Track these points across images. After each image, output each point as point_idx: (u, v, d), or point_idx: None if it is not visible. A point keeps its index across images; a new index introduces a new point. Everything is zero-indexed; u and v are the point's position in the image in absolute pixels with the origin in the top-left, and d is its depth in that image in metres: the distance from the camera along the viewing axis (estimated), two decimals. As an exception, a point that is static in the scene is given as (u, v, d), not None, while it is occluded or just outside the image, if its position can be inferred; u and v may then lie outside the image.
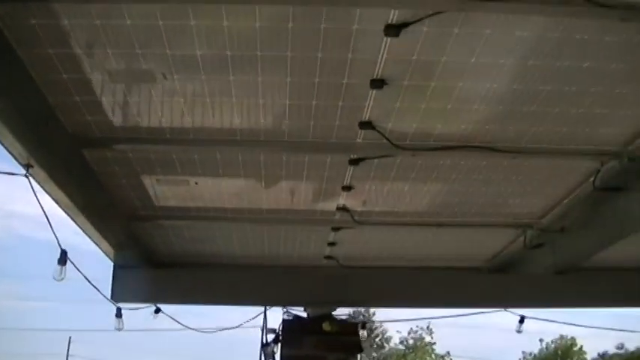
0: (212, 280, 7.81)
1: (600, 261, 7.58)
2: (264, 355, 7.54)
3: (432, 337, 56.93)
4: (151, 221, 6.90)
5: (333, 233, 7.17)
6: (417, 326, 56.86)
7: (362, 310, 50.55)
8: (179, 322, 8.57)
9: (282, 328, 7.53)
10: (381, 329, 58.61)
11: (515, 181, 5.91)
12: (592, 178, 5.71)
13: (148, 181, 5.98)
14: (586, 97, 4.62)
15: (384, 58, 4.13)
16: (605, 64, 4.27)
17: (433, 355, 57.41)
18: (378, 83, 4.38)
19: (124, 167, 5.66)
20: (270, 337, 7.60)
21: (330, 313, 7.46)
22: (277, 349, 7.55)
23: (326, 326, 7.27)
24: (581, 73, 4.34)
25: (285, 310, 7.63)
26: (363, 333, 8.66)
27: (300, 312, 7.74)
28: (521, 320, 8.68)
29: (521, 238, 7.22)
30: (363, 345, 7.70)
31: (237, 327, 8.46)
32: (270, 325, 7.68)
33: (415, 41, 3.99)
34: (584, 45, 4.07)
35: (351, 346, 7.49)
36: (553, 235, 6.88)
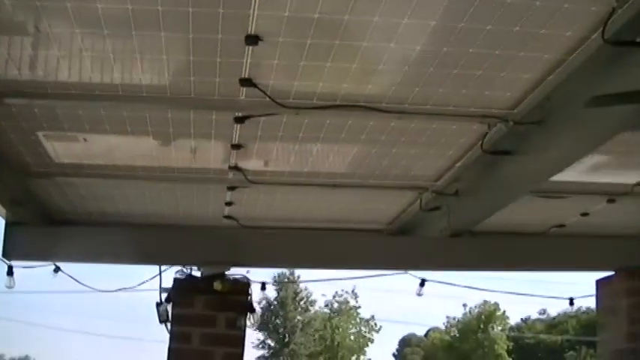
0: (111, 239, 7.73)
1: (497, 224, 7.68)
2: (158, 315, 7.46)
3: (356, 301, 57.52)
4: (48, 178, 6.77)
5: (229, 193, 7.11)
6: (342, 290, 57.28)
7: (288, 272, 50.92)
8: (79, 282, 8.43)
9: (173, 287, 7.46)
10: (305, 292, 59.02)
11: (406, 142, 5.87)
12: (480, 142, 5.71)
13: (38, 137, 5.86)
14: (483, 59, 4.59)
15: (255, 13, 4.06)
16: (505, 27, 4.24)
17: (358, 319, 57.89)
18: (252, 39, 4.31)
19: (10, 122, 5.53)
20: (165, 297, 7.52)
21: (223, 273, 7.39)
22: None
23: (217, 285, 7.22)
24: (483, 35, 4.30)
25: (178, 269, 7.56)
26: (264, 294, 8.65)
27: (196, 272, 7.67)
28: (422, 283, 8.71)
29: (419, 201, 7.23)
30: (255, 305, 7.62)
31: (135, 287, 8.33)
32: (165, 285, 7.58)
33: (287, -4, 3.93)
34: (488, 7, 4.04)
35: (242, 305, 7.44)
36: (448, 198, 6.88)
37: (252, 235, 7.84)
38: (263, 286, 8.75)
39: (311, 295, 59.32)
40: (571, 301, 9.23)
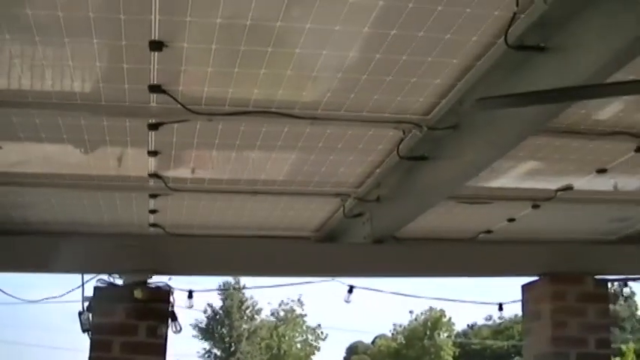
0: (34, 247, 7.61)
1: (424, 230, 7.72)
2: (81, 325, 7.39)
3: (302, 309, 57.51)
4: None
5: (152, 200, 7.07)
6: (288, 298, 57.27)
7: (233, 280, 50.77)
8: (3, 292, 8.34)
9: (94, 296, 7.38)
10: (251, 301, 58.88)
11: (323, 149, 5.86)
12: (397, 148, 5.73)
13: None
14: (392, 65, 4.61)
15: (157, 18, 4.03)
16: (410, 32, 4.25)
17: (304, 327, 57.90)
18: (156, 45, 4.27)
19: None
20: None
21: (144, 281, 7.33)
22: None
23: (137, 293, 7.14)
24: (389, 40, 4.32)
25: (100, 278, 7.48)
26: (190, 302, 8.59)
27: (119, 280, 7.60)
28: (350, 290, 8.72)
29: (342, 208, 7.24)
30: (177, 313, 7.55)
31: (60, 297, 8.24)
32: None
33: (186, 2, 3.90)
34: (391, 12, 4.05)
35: (163, 313, 7.38)
36: (370, 204, 6.90)
37: (177, 242, 7.81)
38: (190, 294, 8.68)
39: (257, 303, 59.23)
40: (500, 307, 9.28)
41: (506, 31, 4.11)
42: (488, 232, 8.33)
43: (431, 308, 59.44)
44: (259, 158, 6.12)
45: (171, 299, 7.50)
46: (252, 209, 7.44)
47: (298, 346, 57.40)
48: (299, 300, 56.40)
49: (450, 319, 60.11)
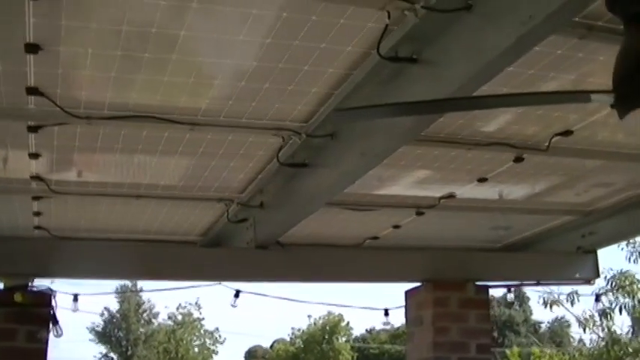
0: None
1: (311, 236, 7.80)
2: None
3: (200, 313, 57.06)
4: None
5: (35, 202, 7.00)
6: (186, 302, 56.84)
7: (130, 284, 50.28)
8: None
9: (-29, 301, 7.27)
10: (148, 304, 58.37)
11: (204, 154, 5.89)
12: (277, 155, 5.78)
13: None
14: (269, 72, 4.66)
15: (31, 21, 4.02)
16: (285, 41, 4.32)
17: (202, 331, 57.53)
18: (31, 48, 4.26)
19: None
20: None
21: (25, 285, 7.26)
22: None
23: (17, 297, 7.07)
24: (264, 48, 4.38)
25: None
26: (75, 305, 8.50)
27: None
28: (236, 295, 8.73)
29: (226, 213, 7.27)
30: (59, 316, 7.48)
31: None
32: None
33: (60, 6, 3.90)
34: (294, 23, 4.12)
35: (43, 317, 7.31)
36: (253, 210, 6.94)
37: (60, 245, 7.73)
38: (75, 297, 8.59)
39: (154, 307, 58.70)
40: (386, 312, 9.36)
41: (379, 43, 4.19)
42: (375, 238, 8.41)
43: (329, 313, 59.43)
44: (142, 162, 6.13)
45: (53, 303, 7.42)
46: (137, 213, 7.42)
47: (196, 350, 56.92)
48: (197, 304, 55.91)
49: (348, 323, 60.16)
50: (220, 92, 4.90)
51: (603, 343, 17.96)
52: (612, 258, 16.33)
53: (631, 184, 7.09)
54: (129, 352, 56.79)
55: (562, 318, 55.58)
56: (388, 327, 71.55)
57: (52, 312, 7.37)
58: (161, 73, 4.63)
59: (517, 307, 60.93)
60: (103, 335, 57.28)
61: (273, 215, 6.76)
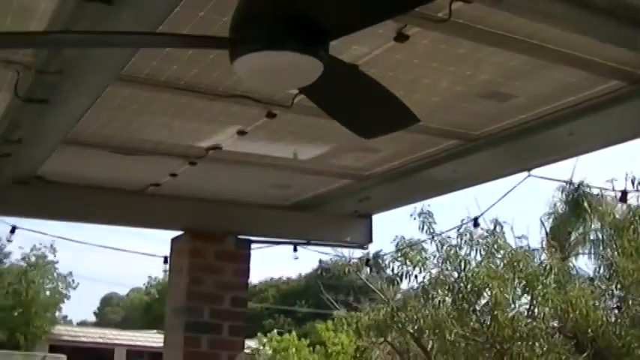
0: None
1: (90, 179, 7.77)
2: None
3: (55, 256, 56.34)
4: None
5: None
6: (40, 244, 56.04)
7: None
8: None
9: None
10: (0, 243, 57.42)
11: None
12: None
13: None
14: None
15: None
16: None
17: (55, 274, 56.84)
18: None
19: None
20: None
21: None
22: None
23: None
24: None
25: None
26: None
27: None
28: (12, 230, 8.69)
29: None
30: None
31: None
32: None
33: None
34: None
35: None
36: (14, 145, 6.86)
37: None
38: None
39: (5, 246, 57.70)
40: (165, 260, 9.36)
41: (15, 85, 4.31)
42: (156, 185, 8.36)
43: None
44: None
45: None
46: None
47: (47, 293, 56.20)
48: (52, 246, 55.12)
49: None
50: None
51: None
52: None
53: (398, 153, 7.27)
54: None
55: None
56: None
57: None
58: None
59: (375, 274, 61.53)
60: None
61: (29, 151, 6.70)
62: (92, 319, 71.65)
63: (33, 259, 56.20)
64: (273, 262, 68.44)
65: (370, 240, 8.94)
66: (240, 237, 8.33)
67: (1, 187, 7.43)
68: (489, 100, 6.07)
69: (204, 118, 6.53)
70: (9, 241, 9.17)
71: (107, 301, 74.43)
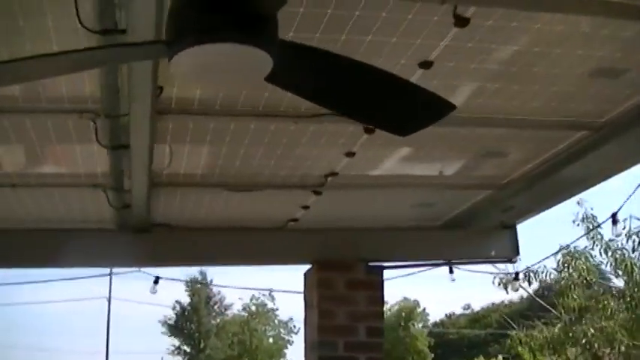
0: None
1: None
2: None
3: (274, 304, 57.27)
4: None
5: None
6: (260, 293, 57.09)
7: (200, 276, 50.88)
8: None
9: None
10: (219, 296, 58.68)
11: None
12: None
13: None
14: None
15: None
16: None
17: (276, 321, 57.77)
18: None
19: None
20: None
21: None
22: None
23: None
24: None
25: None
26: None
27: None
28: (156, 281, 8.71)
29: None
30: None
31: None
32: None
33: None
34: None
35: None
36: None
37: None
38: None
39: (224, 298, 58.98)
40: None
41: None
42: (294, 220, 8.19)
43: (405, 298, 59.18)
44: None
45: None
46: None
47: (270, 340, 57.19)
48: (270, 294, 56.14)
49: (424, 309, 59.89)
50: None
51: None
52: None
53: (527, 156, 6.85)
54: (201, 345, 57.22)
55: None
56: (468, 311, 71.31)
57: None
58: None
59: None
60: (175, 328, 57.71)
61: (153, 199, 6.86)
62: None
63: (253, 308, 57.50)
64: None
65: (517, 252, 8.45)
66: (371, 264, 7.99)
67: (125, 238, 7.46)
68: (609, 79, 5.43)
69: (304, 143, 6.26)
70: (152, 292, 9.22)
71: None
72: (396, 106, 3.72)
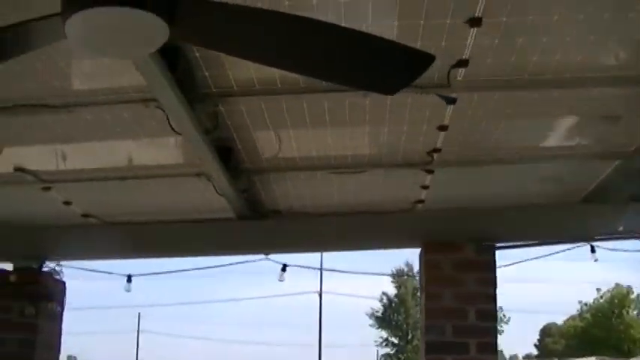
0: None
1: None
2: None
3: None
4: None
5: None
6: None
7: (406, 268, 50.86)
8: None
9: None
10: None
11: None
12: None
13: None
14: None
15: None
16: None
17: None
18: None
19: None
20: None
21: (29, 267, 7.97)
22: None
23: (12, 278, 7.66)
24: None
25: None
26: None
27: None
28: (283, 269, 8.74)
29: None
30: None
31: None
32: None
33: None
34: None
35: (34, 294, 7.93)
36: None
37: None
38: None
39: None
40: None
41: None
42: (420, 202, 7.96)
43: (617, 285, 57.33)
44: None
45: (43, 281, 8.05)
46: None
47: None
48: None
49: (638, 296, 57.83)
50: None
51: None
52: None
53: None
54: (409, 336, 57.26)
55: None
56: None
57: (41, 289, 7.97)
58: None
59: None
60: (383, 320, 58.01)
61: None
62: (534, 351, 71.21)
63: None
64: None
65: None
66: (484, 243, 7.56)
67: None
68: None
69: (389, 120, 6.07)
70: (280, 280, 8.97)
71: (546, 332, 73.43)
72: (373, 65, 3.50)
